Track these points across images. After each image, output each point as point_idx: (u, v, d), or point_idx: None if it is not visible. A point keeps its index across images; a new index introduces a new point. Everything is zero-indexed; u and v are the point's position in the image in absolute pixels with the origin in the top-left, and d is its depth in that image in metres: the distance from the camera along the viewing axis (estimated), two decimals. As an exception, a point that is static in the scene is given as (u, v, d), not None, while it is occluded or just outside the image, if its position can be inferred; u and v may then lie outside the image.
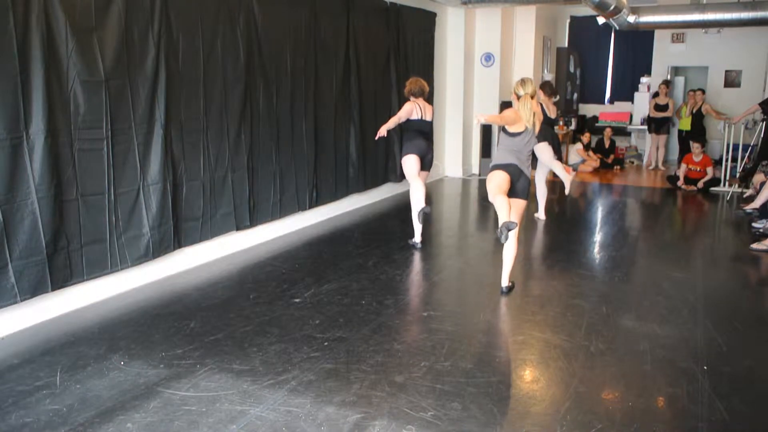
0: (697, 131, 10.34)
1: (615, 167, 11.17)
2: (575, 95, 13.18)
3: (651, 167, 11.26)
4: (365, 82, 7.35)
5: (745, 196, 8.30)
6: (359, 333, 3.93)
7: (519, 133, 4.48)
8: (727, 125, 9.36)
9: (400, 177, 8.32)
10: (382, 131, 5.70)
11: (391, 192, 8.37)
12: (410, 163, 5.79)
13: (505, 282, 4.62)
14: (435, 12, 9.03)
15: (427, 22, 8.87)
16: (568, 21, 12.97)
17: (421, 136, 5.83)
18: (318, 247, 5.79)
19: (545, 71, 11.55)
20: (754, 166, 8.75)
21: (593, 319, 4.14)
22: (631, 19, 9.09)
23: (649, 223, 7.64)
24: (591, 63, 13.29)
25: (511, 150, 4.49)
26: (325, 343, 3.73)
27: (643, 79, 12.16)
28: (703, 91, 10.70)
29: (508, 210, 4.27)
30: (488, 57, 10.03)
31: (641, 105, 11.95)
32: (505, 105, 10.06)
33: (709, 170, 9.09)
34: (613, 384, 3.29)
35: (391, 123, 5.73)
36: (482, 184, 9.64)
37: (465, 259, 5.79)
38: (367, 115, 7.43)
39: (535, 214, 7.25)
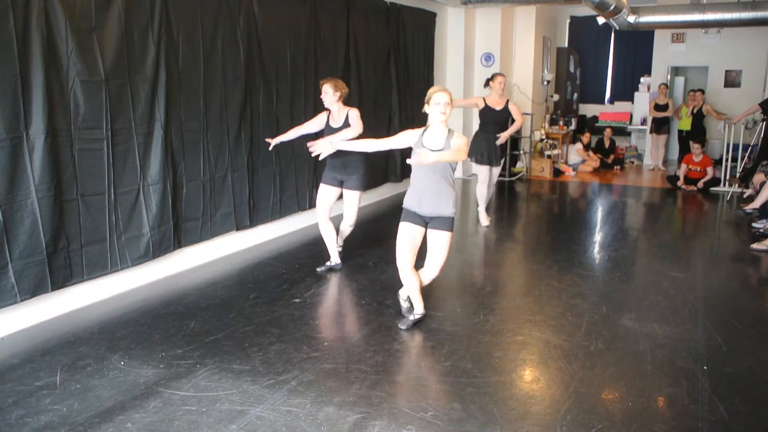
0: (697, 131, 10.34)
1: (615, 167, 11.18)
2: (575, 95, 13.19)
3: (651, 168, 11.26)
4: (365, 82, 7.34)
5: (745, 196, 8.30)
6: (359, 333, 3.93)
7: None
8: (727, 125, 9.36)
9: (400, 177, 8.35)
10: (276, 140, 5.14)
11: (391, 192, 8.37)
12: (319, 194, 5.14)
13: None
14: (435, 12, 9.03)
15: (427, 22, 8.87)
16: (568, 21, 12.98)
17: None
18: (318, 247, 5.78)
19: (545, 71, 11.55)
20: (754, 166, 8.74)
21: (593, 319, 4.14)
22: (631, 19, 9.09)
23: (649, 223, 7.63)
24: (591, 63, 13.29)
25: None
26: (325, 343, 3.73)
27: (643, 79, 12.16)
28: (703, 92, 10.70)
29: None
30: (488, 57, 10.03)
31: (641, 105, 11.96)
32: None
33: (709, 170, 9.10)
34: (613, 384, 3.29)
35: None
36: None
37: (465, 259, 5.79)
38: (367, 115, 7.40)
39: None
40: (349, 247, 5.68)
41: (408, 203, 3.85)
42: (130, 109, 4.46)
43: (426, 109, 3.76)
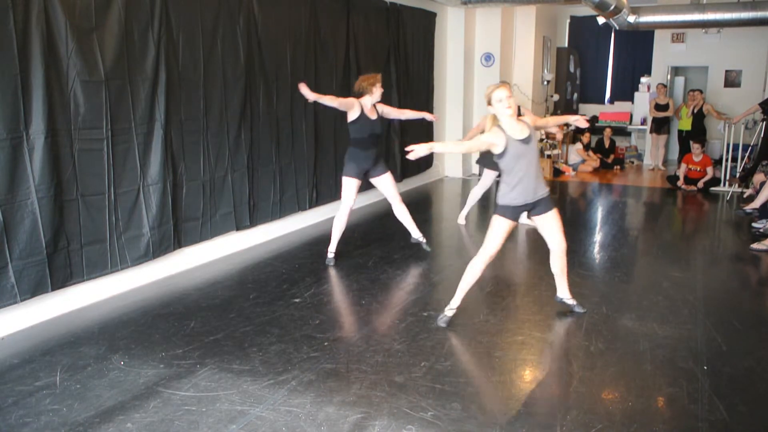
0: (697, 131, 10.34)
1: (615, 167, 11.18)
2: (575, 95, 13.18)
3: (651, 168, 11.26)
4: (365, 82, 7.34)
5: (745, 196, 8.29)
6: (359, 333, 3.93)
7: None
8: (727, 125, 9.36)
9: (401, 176, 8.34)
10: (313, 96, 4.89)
11: (391, 192, 8.35)
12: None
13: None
14: (435, 12, 9.03)
15: (427, 22, 8.87)
16: (568, 21, 12.98)
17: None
18: (318, 247, 5.78)
19: (545, 71, 11.55)
20: (754, 166, 8.74)
21: (593, 319, 4.14)
22: (631, 19, 9.09)
23: (649, 223, 7.63)
24: (591, 63, 13.29)
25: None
26: (325, 343, 3.73)
27: (643, 79, 12.16)
28: (701, 91, 10.69)
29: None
30: (488, 57, 10.03)
31: (641, 105, 11.95)
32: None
33: (709, 170, 9.09)
34: (613, 384, 3.29)
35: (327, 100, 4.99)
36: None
37: (465, 259, 5.77)
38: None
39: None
40: (349, 247, 5.69)
41: (508, 200, 3.87)
42: (130, 109, 4.46)
43: (489, 109, 3.81)
